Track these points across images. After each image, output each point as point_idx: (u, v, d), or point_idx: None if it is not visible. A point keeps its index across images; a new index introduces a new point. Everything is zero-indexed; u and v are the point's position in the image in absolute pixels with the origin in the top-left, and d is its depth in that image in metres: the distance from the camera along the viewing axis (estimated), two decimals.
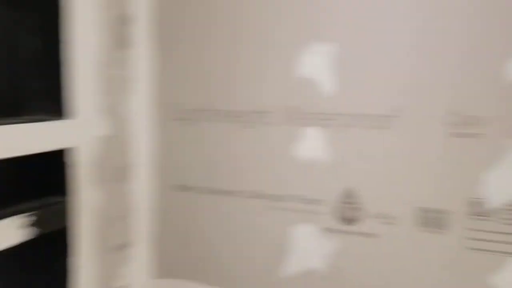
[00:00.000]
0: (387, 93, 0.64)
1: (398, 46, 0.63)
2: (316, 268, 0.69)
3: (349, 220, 0.67)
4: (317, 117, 0.67)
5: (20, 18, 0.63)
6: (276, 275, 0.71)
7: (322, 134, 0.67)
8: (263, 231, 0.72)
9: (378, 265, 0.66)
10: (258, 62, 0.70)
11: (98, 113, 0.68)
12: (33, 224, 0.59)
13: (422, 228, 0.64)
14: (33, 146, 0.59)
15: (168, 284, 0.79)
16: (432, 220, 0.63)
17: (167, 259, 0.79)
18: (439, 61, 0.61)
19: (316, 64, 0.67)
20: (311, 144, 0.68)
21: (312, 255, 0.69)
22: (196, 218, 0.76)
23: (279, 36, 0.68)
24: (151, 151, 0.78)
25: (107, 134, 0.70)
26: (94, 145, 0.68)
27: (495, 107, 0.59)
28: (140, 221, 0.78)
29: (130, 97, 0.74)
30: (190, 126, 0.75)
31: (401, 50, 0.62)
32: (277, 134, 0.70)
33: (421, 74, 0.62)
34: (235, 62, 0.72)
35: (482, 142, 0.60)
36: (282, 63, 0.69)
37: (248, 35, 0.70)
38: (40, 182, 0.64)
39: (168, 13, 0.76)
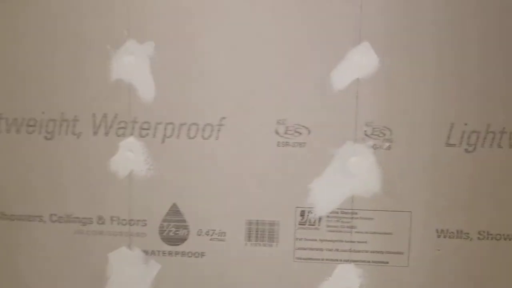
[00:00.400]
0: (212, 100, 0.58)
1: (224, 50, 0.58)
2: None
3: (174, 240, 0.60)
4: (135, 126, 0.59)
5: None
6: None
7: (142, 145, 0.59)
8: (76, 260, 0.61)
9: (207, 285, 0.60)
10: (61, 62, 0.59)
11: None
12: None
13: (252, 241, 0.60)
14: None
15: None
16: (262, 232, 0.60)
17: None
18: (267, 69, 0.58)
19: (134, 67, 0.59)
20: (129, 157, 0.59)
21: (134, 282, 0.61)
22: None
23: (92, 34, 0.59)
24: None
25: None
26: None
27: (320, 115, 0.58)
28: None
29: None
30: None
31: (228, 56, 0.58)
32: (87, 146, 0.60)
33: (249, 81, 0.58)
34: (27, 61, 0.60)
35: (308, 151, 0.58)
36: (92, 64, 0.59)
37: (54, 31, 0.59)
38: None
39: None
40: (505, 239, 0.58)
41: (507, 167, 0.56)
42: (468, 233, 0.58)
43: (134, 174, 0.59)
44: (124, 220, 0.60)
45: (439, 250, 0.59)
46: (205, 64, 0.58)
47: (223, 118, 0.58)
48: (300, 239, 0.60)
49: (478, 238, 0.58)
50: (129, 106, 0.59)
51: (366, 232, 0.59)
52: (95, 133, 0.59)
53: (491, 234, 0.58)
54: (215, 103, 0.58)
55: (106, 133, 0.59)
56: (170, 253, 0.60)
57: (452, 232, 0.58)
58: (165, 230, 0.60)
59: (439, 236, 0.59)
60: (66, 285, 0.61)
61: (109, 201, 0.60)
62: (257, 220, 0.60)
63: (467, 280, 0.59)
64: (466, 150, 0.56)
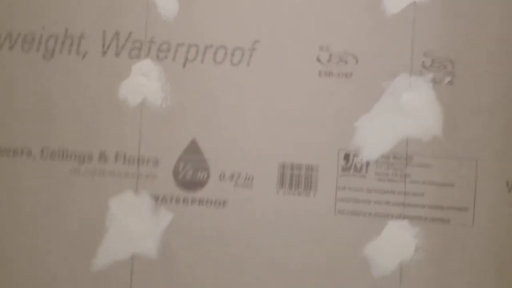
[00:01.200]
0: (243, 20, 0.50)
1: None
2: (144, 252, 0.49)
3: (192, 185, 0.50)
4: (152, 47, 0.50)
5: None
6: (89, 266, 0.49)
7: (159, 69, 0.50)
8: (69, 206, 0.50)
9: (228, 241, 0.49)
10: None
11: None
12: None
13: (285, 189, 0.49)
14: None
15: None
16: (297, 178, 0.49)
17: None
18: None
19: None
20: (143, 83, 0.50)
21: (139, 235, 0.49)
22: None
23: None
24: None
25: None
26: None
27: (370, 42, 0.49)
28: None
29: None
30: None
31: None
32: (93, 68, 0.50)
33: (287, 1, 0.50)
34: None
35: (355, 83, 0.49)
36: None
37: None
38: None
39: None
40: None
41: None
42: None
43: (148, 103, 0.50)
44: (132, 157, 0.50)
45: (511, 206, 0.49)
46: None
47: (256, 41, 0.50)
48: (343, 189, 0.49)
49: None
50: (146, 23, 0.50)
51: (423, 183, 0.49)
52: (104, 53, 0.50)
53: None
54: (248, 23, 0.50)
55: (117, 54, 0.50)
56: (185, 201, 0.50)
57: None
58: (181, 172, 0.50)
59: (510, 190, 0.49)
60: (56, 235, 0.50)
61: (115, 133, 0.50)
62: (292, 164, 0.49)
63: None
64: None
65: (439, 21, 0.49)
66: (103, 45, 0.50)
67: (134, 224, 0.49)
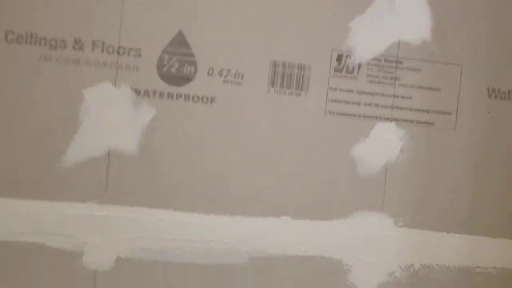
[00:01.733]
0: None
1: None
2: (123, 148, 0.45)
3: (177, 79, 0.46)
4: None
5: None
6: (59, 163, 0.44)
7: None
8: (37, 96, 0.44)
9: (216, 139, 0.47)
10: None
11: None
12: None
13: (276, 88, 0.47)
14: None
15: None
16: (289, 77, 0.48)
17: None
18: None
19: None
20: None
21: (118, 130, 0.45)
22: None
23: None
24: None
25: None
26: None
27: None
28: None
29: None
30: None
31: None
32: None
33: None
34: None
35: None
36: None
37: None
38: None
39: None
40: None
41: None
42: None
43: None
44: (111, 46, 0.45)
45: (489, 112, 0.50)
46: None
47: None
48: (335, 89, 0.48)
49: None
50: None
51: (412, 86, 0.49)
52: None
53: None
54: None
55: None
56: (170, 95, 0.46)
57: (504, 93, 0.50)
58: (166, 65, 0.46)
59: (490, 96, 0.50)
60: (22, 129, 0.44)
61: (93, 19, 0.45)
62: (284, 62, 0.47)
63: None
64: None
65: None
66: None
67: (112, 117, 0.45)
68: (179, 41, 0.46)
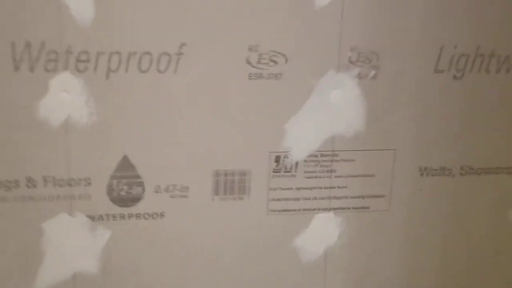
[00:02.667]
0: (168, 23, 0.47)
1: None
2: (85, 270, 0.50)
3: (127, 201, 0.49)
4: (70, 58, 0.46)
5: None
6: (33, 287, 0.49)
7: (80, 82, 0.47)
8: (1, 235, 0.48)
9: (169, 250, 0.51)
10: None
11: None
12: None
13: (220, 195, 0.51)
14: None
15: None
16: (231, 184, 0.51)
17: None
18: None
19: None
20: (64, 99, 0.47)
21: (79, 254, 0.49)
22: None
23: None
24: None
25: None
26: None
27: (299, 39, 0.49)
28: None
29: None
30: None
31: None
32: (6, 85, 0.46)
33: (212, 1, 0.48)
34: None
35: (284, 83, 0.50)
36: None
37: None
38: None
39: None
40: (486, 173, 0.55)
41: (492, 94, 0.53)
42: (450, 169, 0.55)
43: (72, 121, 0.47)
44: (62, 180, 0.48)
45: (421, 189, 0.55)
46: None
47: (183, 44, 0.48)
48: (275, 189, 0.52)
49: (460, 174, 0.55)
50: (59, 30, 0.46)
51: (347, 176, 0.53)
52: (16, 68, 0.45)
53: (473, 169, 0.55)
54: (173, 26, 0.47)
55: (31, 69, 0.46)
56: (122, 217, 0.50)
57: (435, 169, 0.55)
58: (115, 189, 0.49)
59: (422, 175, 0.54)
60: None
61: (41, 157, 0.47)
62: (225, 171, 0.51)
63: (448, 217, 0.56)
64: (455, 77, 0.52)
65: (365, 13, 0.50)
66: (13, 59, 0.45)
67: (72, 244, 0.49)
68: (125, 166, 0.49)
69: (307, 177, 0.52)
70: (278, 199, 0.52)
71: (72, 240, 0.49)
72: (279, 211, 0.52)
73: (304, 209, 0.53)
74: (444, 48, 0.51)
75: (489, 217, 0.56)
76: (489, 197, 0.56)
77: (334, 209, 0.53)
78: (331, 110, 0.51)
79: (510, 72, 0.52)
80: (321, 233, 0.54)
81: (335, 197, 0.53)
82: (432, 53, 0.51)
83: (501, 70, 0.52)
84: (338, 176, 0.53)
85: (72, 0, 0.45)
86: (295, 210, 0.53)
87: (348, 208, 0.54)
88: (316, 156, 0.52)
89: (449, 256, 0.57)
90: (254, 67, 0.49)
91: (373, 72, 0.51)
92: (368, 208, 0.54)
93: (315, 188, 0.53)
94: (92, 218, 0.49)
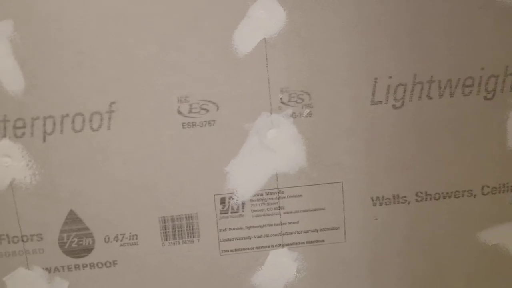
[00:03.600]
0: (96, 83, 0.48)
1: (103, 22, 0.48)
2: None
3: (79, 252, 0.52)
4: (8, 126, 0.49)
5: None
6: None
7: (19, 147, 0.49)
8: None
9: None
10: None
11: None
12: None
13: (170, 241, 0.52)
14: None
15: None
16: (180, 229, 0.52)
17: None
18: (158, 39, 0.48)
19: None
20: (7, 164, 0.49)
21: None
22: None
23: None
24: None
25: None
26: None
27: (227, 87, 0.49)
28: None
29: None
30: None
31: (108, 28, 0.48)
32: None
33: (139, 56, 0.48)
34: None
35: (219, 129, 0.50)
36: None
37: None
38: None
39: None
40: (444, 197, 0.53)
41: (439, 119, 0.50)
42: (405, 197, 0.53)
43: (17, 183, 0.50)
44: (16, 237, 0.51)
45: (376, 219, 0.53)
46: (81, 41, 0.48)
47: (113, 103, 0.49)
48: (224, 230, 0.52)
49: (416, 201, 0.53)
50: None
51: (297, 211, 0.53)
52: None
53: (429, 195, 0.53)
54: (101, 86, 0.48)
55: None
56: (77, 267, 0.52)
57: (388, 198, 0.53)
58: (66, 242, 0.51)
59: (374, 205, 0.53)
60: None
61: None
62: (172, 216, 0.52)
63: (409, 245, 0.54)
64: (394, 106, 0.50)
65: (291, 54, 0.49)
66: None
67: None
68: (72, 219, 0.51)
69: (256, 216, 0.52)
70: (229, 239, 0.53)
71: None
72: (232, 251, 0.53)
73: (257, 247, 0.53)
74: (379, 79, 0.48)
75: (456, 241, 0.54)
76: (453, 221, 0.53)
77: (287, 244, 0.53)
78: (270, 150, 0.51)
79: (455, 95, 0.49)
80: (278, 269, 0.54)
81: (287, 233, 0.53)
82: (365, 85, 0.49)
83: (444, 94, 0.49)
84: (287, 212, 0.52)
85: (2, 75, 0.47)
86: (248, 249, 0.53)
87: (303, 243, 0.53)
88: (261, 194, 0.52)
89: (417, 284, 0.55)
90: (186, 116, 0.49)
91: (307, 111, 0.50)
92: (323, 241, 0.53)
93: (265, 225, 0.53)
94: (48, 270, 0.52)
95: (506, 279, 0.54)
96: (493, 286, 0.54)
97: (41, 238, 0.51)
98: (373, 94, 0.49)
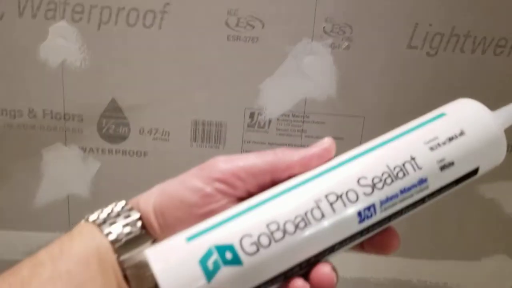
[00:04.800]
0: None
1: None
2: (78, 193, 0.58)
3: (115, 138, 0.56)
4: (67, 9, 0.52)
5: None
6: (33, 204, 0.58)
7: (75, 31, 0.53)
8: (8, 156, 0.57)
9: (149, 185, 0.58)
10: None
11: None
12: None
13: (198, 142, 0.57)
14: None
15: None
16: (208, 133, 0.56)
17: None
18: None
19: None
20: (61, 44, 0.53)
21: (72, 180, 0.57)
22: None
23: None
24: None
25: None
26: None
27: (276, 7, 0.52)
28: None
29: None
30: None
31: None
32: (12, 29, 0.52)
33: None
34: None
35: (260, 47, 0.53)
36: None
37: None
38: None
39: None
40: None
41: (467, 74, 0.53)
42: None
43: (68, 63, 0.53)
44: (58, 114, 0.55)
45: None
46: None
47: (167, 4, 0.52)
48: (248, 142, 0.57)
49: None
50: None
51: (317, 137, 0.56)
52: (20, 14, 0.52)
53: None
54: None
55: (33, 16, 0.52)
56: (110, 151, 0.57)
57: None
58: (104, 127, 0.56)
59: None
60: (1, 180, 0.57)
61: (40, 92, 0.54)
62: (204, 120, 0.56)
63: None
64: (428, 54, 0.53)
65: None
66: (19, 6, 0.52)
67: (66, 170, 0.57)
68: (113, 107, 0.55)
69: (279, 134, 0.57)
70: (251, 151, 0.57)
71: (66, 167, 0.57)
72: None
73: None
74: (419, 25, 0.51)
75: None
76: None
77: None
78: (304, 75, 0.54)
79: (486, 53, 0.52)
80: None
81: None
82: (406, 29, 0.51)
83: (476, 50, 0.52)
84: (309, 136, 0.57)
85: None
86: None
87: None
88: (288, 116, 0.56)
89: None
90: (232, 29, 0.53)
91: (346, 43, 0.53)
92: None
93: (286, 144, 0.57)
94: (84, 149, 0.56)
95: (495, 231, 0.59)
96: (480, 231, 0.59)
97: (82, 120, 0.55)
98: (411, 39, 0.52)
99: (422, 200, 0.25)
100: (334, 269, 0.24)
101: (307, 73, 0.54)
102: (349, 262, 0.60)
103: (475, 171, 0.25)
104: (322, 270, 0.23)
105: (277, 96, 0.55)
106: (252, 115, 0.56)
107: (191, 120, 0.56)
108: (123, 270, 0.24)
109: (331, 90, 0.55)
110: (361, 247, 0.26)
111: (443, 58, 0.52)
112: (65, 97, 0.55)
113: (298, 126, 0.56)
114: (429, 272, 0.61)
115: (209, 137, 0.56)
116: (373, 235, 0.25)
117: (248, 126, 0.56)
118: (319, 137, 0.56)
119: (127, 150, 0.57)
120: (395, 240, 0.25)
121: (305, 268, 0.23)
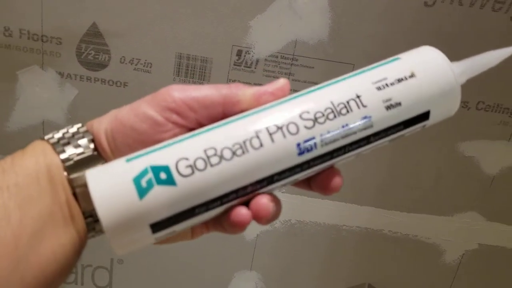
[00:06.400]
0: None
1: None
2: (53, 120, 0.56)
3: (94, 65, 0.54)
4: None
5: None
6: (6, 127, 0.56)
7: None
8: None
9: None
10: None
11: None
12: None
13: (181, 77, 0.55)
14: None
15: None
16: (193, 68, 0.54)
17: None
18: None
19: None
20: None
21: (48, 105, 0.55)
22: None
23: None
24: None
25: None
26: None
27: None
28: None
29: None
30: None
31: None
32: None
33: None
34: None
35: None
36: None
37: None
38: None
39: None
40: None
41: (462, 28, 0.52)
42: None
43: None
44: (36, 35, 0.52)
45: None
46: None
47: None
48: (233, 81, 0.55)
49: None
50: None
51: (305, 81, 0.55)
52: None
53: None
54: None
55: None
56: (88, 79, 0.54)
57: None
58: (83, 53, 0.53)
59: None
60: None
61: (18, 9, 0.51)
62: (188, 55, 0.54)
63: None
64: (426, 4, 0.51)
65: None
66: None
67: (42, 95, 0.55)
68: (94, 32, 0.52)
69: (266, 75, 0.55)
70: None
71: (42, 91, 0.55)
72: None
73: None
74: None
75: (437, 145, 0.58)
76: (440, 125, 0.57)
77: None
78: (297, 15, 0.52)
79: (485, 8, 0.50)
80: None
81: None
82: None
83: (475, 4, 0.50)
84: (296, 80, 0.55)
85: None
86: None
87: None
88: (276, 57, 0.54)
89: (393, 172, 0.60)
90: None
91: None
92: None
93: None
94: (61, 74, 0.54)
95: (470, 189, 0.60)
96: (456, 188, 0.60)
97: (60, 43, 0.53)
98: None
99: (367, 139, 0.25)
100: (273, 200, 0.24)
101: (300, 13, 0.52)
102: (323, 208, 0.61)
103: (425, 116, 0.25)
104: (260, 201, 0.24)
105: (267, 35, 0.53)
106: (239, 53, 0.54)
107: (175, 52, 0.54)
108: (73, 188, 0.24)
109: (323, 34, 0.53)
110: (309, 186, 0.26)
111: (440, 9, 0.51)
112: (44, 17, 0.52)
113: (286, 69, 0.55)
114: (401, 224, 0.62)
115: (193, 73, 0.54)
116: (318, 174, 0.25)
117: (235, 64, 0.54)
118: (306, 82, 0.55)
119: (107, 79, 0.54)
120: (337, 180, 0.25)
121: (243, 197, 0.24)
